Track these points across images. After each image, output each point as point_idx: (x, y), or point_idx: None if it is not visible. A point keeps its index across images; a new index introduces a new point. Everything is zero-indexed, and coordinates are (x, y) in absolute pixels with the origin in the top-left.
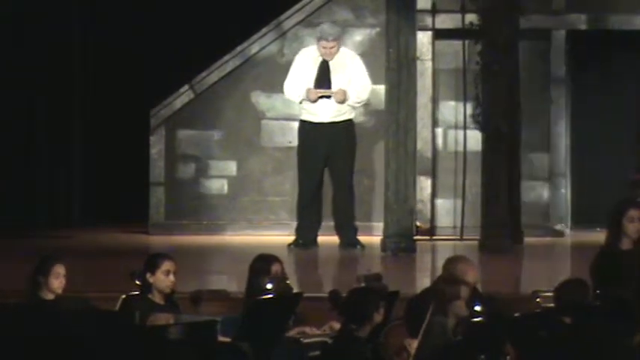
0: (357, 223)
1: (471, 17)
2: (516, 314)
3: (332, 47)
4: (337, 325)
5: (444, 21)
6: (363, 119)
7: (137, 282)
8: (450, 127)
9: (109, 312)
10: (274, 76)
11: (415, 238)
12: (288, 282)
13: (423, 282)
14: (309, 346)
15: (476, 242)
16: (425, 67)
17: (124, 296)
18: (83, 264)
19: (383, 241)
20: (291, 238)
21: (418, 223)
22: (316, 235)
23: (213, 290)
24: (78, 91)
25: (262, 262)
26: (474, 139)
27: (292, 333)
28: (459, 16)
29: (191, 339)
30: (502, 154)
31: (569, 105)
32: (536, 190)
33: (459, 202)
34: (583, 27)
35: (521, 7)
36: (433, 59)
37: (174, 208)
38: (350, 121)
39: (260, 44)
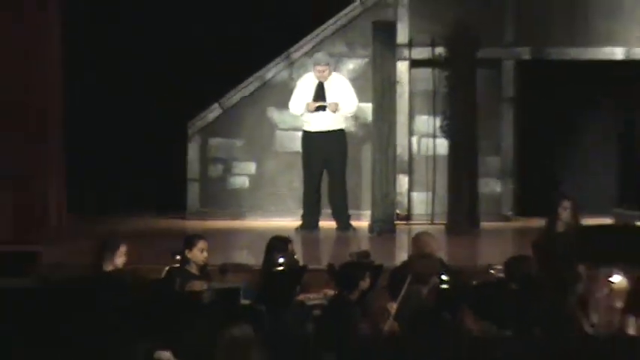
0: (350, 211)
1: (439, 50)
2: (474, 282)
3: (324, 70)
4: (333, 292)
5: (419, 53)
6: (355, 130)
7: (177, 257)
8: (423, 136)
9: (157, 280)
10: (285, 96)
11: (395, 222)
12: (295, 257)
13: (402, 257)
14: (311, 307)
15: (443, 226)
16: (403, 90)
17: (167, 268)
18: (136, 244)
19: (370, 225)
20: (298, 223)
21: (398, 211)
22: (317, 221)
23: (237, 264)
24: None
25: (277, 242)
26: (442, 145)
27: (299, 297)
28: (429, 49)
29: (219, 302)
30: (463, 157)
31: (515, 119)
32: (489, 186)
33: (430, 194)
34: (527, 57)
35: (477, 42)
36: (410, 83)
37: (206, 199)
38: (342, 130)
39: (274, 71)
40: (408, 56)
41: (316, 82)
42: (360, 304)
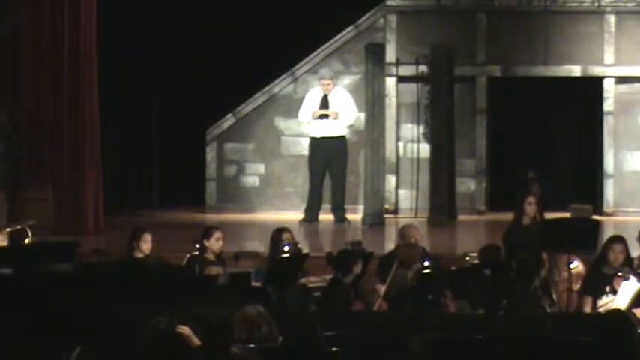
0: (345, 206)
1: (422, 68)
2: (452, 268)
3: (328, 84)
4: (330, 275)
5: (405, 70)
6: (350, 136)
7: (197, 246)
8: (409, 141)
9: (179, 266)
10: (290, 107)
11: (385, 216)
12: (298, 246)
13: (390, 246)
14: (312, 289)
15: (425, 219)
16: (391, 102)
17: (188, 255)
18: (161, 234)
19: (363, 218)
20: (301, 217)
21: (386, 206)
22: (318, 215)
23: (248, 251)
24: (154, 114)
25: (278, 232)
26: (425, 150)
27: (301, 280)
28: (414, 67)
29: (233, 284)
30: (442, 159)
31: (487, 127)
32: (465, 184)
33: (414, 192)
34: (498, 74)
35: (455, 61)
36: (397, 96)
37: (222, 196)
38: (344, 137)
39: (280, 86)
40: (395, 73)
41: (322, 94)
42: (354, 286)
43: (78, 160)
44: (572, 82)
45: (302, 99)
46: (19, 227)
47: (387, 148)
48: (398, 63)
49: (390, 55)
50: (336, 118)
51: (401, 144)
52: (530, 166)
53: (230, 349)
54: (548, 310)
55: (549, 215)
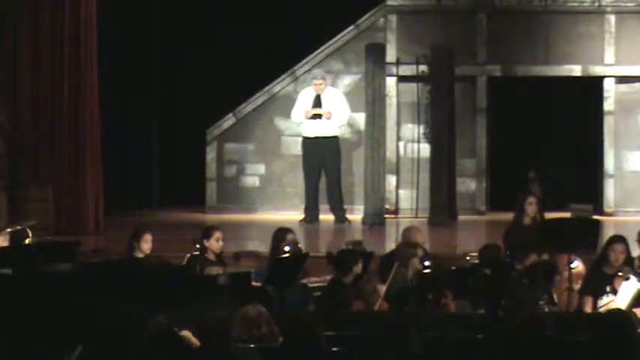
0: (345, 206)
1: (423, 68)
2: (453, 267)
3: (320, 84)
4: (330, 276)
5: (405, 70)
6: (350, 136)
7: (197, 246)
8: (409, 141)
9: (179, 266)
10: (290, 107)
11: (385, 216)
12: (299, 246)
13: (390, 246)
14: (312, 289)
15: (426, 219)
16: (392, 101)
17: (188, 255)
18: (161, 234)
19: (363, 218)
20: (302, 217)
21: (387, 206)
22: (318, 215)
23: (248, 251)
24: (155, 116)
25: (281, 232)
26: (425, 149)
27: (302, 280)
28: (414, 66)
29: (234, 284)
30: (443, 159)
31: (488, 127)
32: (465, 184)
33: (415, 191)
34: (498, 74)
35: (455, 61)
36: (397, 96)
37: (222, 195)
38: (336, 137)
39: (280, 86)
40: (395, 73)
41: (314, 94)
42: (354, 286)
43: (78, 160)
44: (572, 82)
45: None
46: (19, 228)
47: (387, 148)
48: (398, 63)
49: (391, 54)
50: (329, 118)
51: (401, 144)
52: (530, 166)
53: (229, 349)
54: (549, 309)
55: (549, 215)
